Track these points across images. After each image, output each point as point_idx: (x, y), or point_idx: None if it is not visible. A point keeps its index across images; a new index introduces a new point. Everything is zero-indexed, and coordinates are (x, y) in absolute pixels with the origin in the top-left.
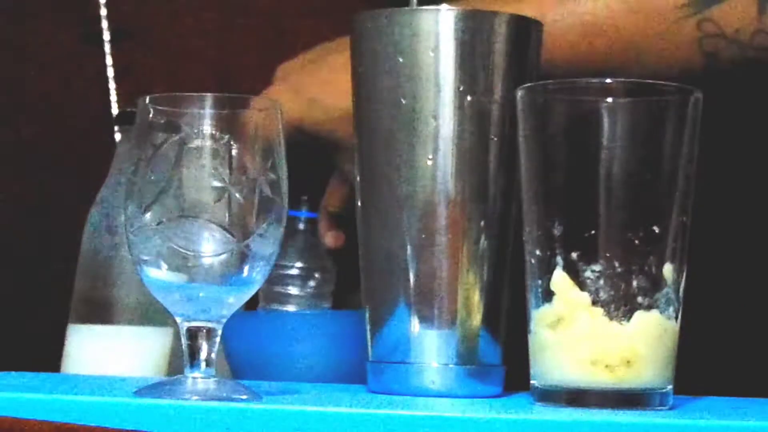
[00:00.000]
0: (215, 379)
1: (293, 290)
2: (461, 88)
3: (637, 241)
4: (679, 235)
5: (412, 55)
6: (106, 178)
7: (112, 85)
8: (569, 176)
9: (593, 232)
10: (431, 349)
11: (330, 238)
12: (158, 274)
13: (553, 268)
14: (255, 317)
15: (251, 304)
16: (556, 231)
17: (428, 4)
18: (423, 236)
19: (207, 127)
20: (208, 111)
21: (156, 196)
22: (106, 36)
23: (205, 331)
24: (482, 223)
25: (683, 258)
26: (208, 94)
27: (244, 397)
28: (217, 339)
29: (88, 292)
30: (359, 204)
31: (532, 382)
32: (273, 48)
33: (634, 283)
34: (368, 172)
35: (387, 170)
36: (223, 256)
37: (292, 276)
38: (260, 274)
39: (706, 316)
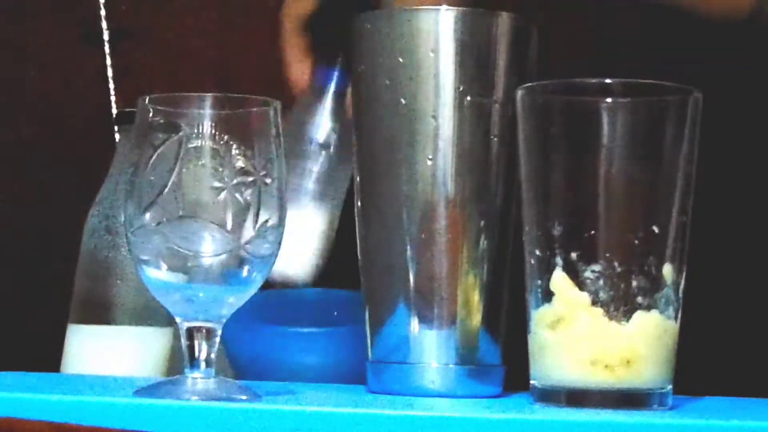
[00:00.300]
0: (215, 379)
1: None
2: (461, 88)
3: (636, 242)
4: (678, 235)
5: (411, 55)
6: (106, 178)
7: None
8: (569, 176)
9: (593, 232)
10: (431, 349)
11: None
12: (158, 274)
13: (553, 269)
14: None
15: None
16: (556, 231)
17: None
18: (423, 236)
19: (207, 127)
20: (207, 111)
21: (156, 197)
22: (106, 36)
23: (204, 331)
24: (482, 223)
25: (683, 258)
26: (208, 94)
27: (244, 397)
28: (217, 339)
29: (88, 292)
30: (359, 204)
31: (531, 382)
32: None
33: (634, 283)
34: (368, 172)
35: (387, 170)
36: (223, 257)
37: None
38: (260, 274)
39: (706, 316)
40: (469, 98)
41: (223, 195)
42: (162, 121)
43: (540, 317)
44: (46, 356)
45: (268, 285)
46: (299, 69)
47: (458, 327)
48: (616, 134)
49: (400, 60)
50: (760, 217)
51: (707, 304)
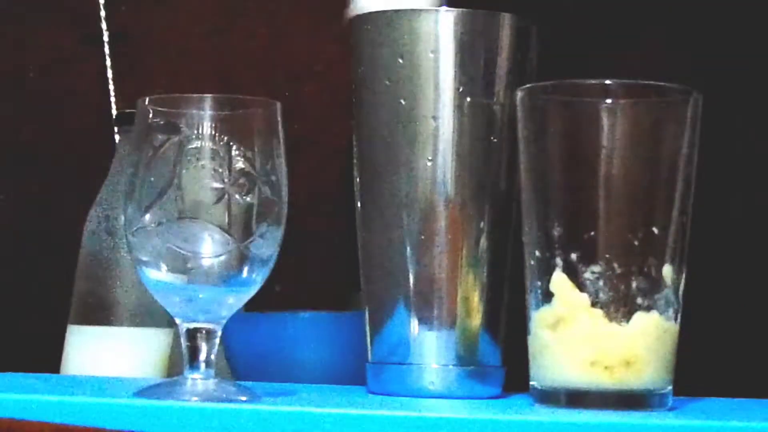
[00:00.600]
0: (215, 380)
1: None
2: (461, 89)
3: (636, 242)
4: (678, 236)
5: (411, 56)
6: (106, 179)
7: (111, 86)
8: (569, 177)
9: (593, 233)
10: (431, 350)
11: None
12: (158, 275)
13: (553, 270)
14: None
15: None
16: (556, 232)
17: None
18: (423, 237)
19: (207, 128)
20: (207, 112)
21: (155, 197)
22: (106, 37)
23: (204, 332)
24: (482, 223)
25: (683, 259)
26: (208, 95)
27: (244, 398)
28: (217, 340)
29: (87, 293)
30: (359, 204)
31: (531, 383)
32: (273, 48)
33: (634, 284)
34: (368, 173)
35: (387, 170)
36: (223, 257)
37: None
38: (260, 275)
39: (706, 317)
40: (469, 99)
41: (223, 196)
42: (162, 122)
43: (540, 318)
44: (46, 357)
45: None
46: None
47: (458, 328)
48: (616, 135)
49: (400, 61)
50: (760, 218)
51: (707, 305)
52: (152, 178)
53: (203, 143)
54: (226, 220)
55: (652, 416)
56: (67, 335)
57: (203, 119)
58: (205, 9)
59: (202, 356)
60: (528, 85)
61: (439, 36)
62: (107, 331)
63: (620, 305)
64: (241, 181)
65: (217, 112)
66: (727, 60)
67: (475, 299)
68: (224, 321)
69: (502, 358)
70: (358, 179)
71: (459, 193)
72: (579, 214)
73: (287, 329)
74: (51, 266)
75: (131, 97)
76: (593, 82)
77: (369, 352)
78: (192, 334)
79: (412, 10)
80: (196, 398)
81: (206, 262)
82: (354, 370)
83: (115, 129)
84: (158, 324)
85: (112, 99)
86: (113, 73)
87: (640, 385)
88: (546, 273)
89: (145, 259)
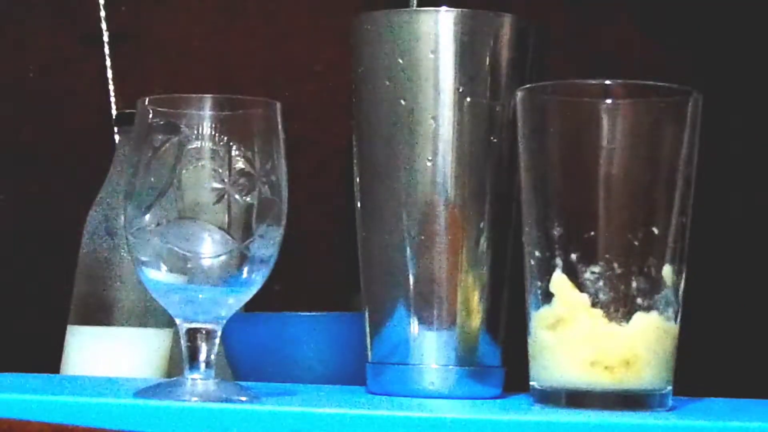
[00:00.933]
0: (215, 380)
1: None
2: (461, 89)
3: (636, 243)
4: (678, 236)
5: (411, 56)
6: (106, 179)
7: (111, 86)
8: (569, 177)
9: (593, 233)
10: (431, 350)
11: None
12: (158, 275)
13: (553, 270)
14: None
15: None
16: (556, 232)
17: (427, 5)
18: (422, 237)
19: (206, 129)
20: (207, 112)
21: (155, 198)
22: (106, 37)
23: (204, 332)
24: (482, 224)
25: (683, 259)
26: (208, 95)
27: (244, 398)
28: (217, 340)
29: (87, 293)
30: (359, 204)
31: (531, 383)
32: (273, 48)
33: (634, 284)
34: (368, 173)
35: (387, 171)
36: (223, 258)
37: None
38: (260, 275)
39: (706, 317)
40: (468, 99)
41: (223, 196)
42: (162, 122)
43: (540, 318)
44: (46, 357)
45: None
46: None
47: (458, 328)
48: (616, 135)
49: (400, 61)
50: (760, 218)
51: (707, 305)
52: (152, 179)
53: (203, 143)
54: (226, 220)
55: (652, 416)
56: (67, 335)
57: (203, 119)
58: (205, 9)
59: (202, 356)
60: (528, 85)
61: (439, 36)
62: (107, 332)
63: (620, 305)
64: (241, 181)
65: (217, 113)
66: (727, 60)
67: (475, 299)
68: (224, 321)
69: (502, 358)
70: (358, 179)
71: (459, 193)
72: (579, 214)
73: (287, 329)
74: (51, 266)
75: (131, 97)
76: (593, 82)
77: (369, 352)
78: (192, 334)
79: (412, 10)
80: (196, 398)
81: (206, 263)
82: (354, 370)
83: (115, 129)
84: (158, 324)
85: (112, 99)
86: (113, 73)
87: (640, 385)
88: (546, 273)
89: (145, 259)
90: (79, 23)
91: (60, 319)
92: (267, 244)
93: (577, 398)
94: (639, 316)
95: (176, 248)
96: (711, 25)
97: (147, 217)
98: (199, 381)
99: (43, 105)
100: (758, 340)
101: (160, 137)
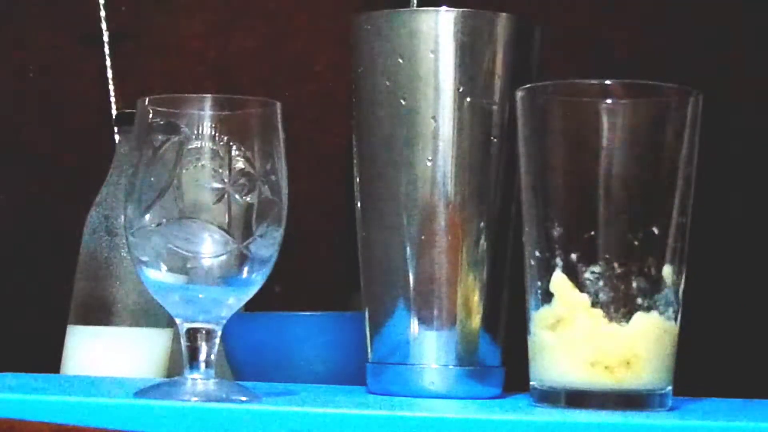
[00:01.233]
0: (215, 380)
1: None
2: (461, 89)
3: (636, 243)
4: (678, 236)
5: (411, 55)
6: (106, 179)
7: (111, 86)
8: (569, 177)
9: (593, 233)
10: (431, 350)
11: None
12: (158, 275)
13: (553, 270)
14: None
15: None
16: (556, 232)
17: (428, 5)
18: (422, 237)
19: (206, 128)
20: (207, 112)
21: (155, 198)
22: (106, 37)
23: (204, 332)
24: (482, 224)
25: (683, 259)
26: (208, 95)
27: (244, 398)
28: (217, 340)
29: (87, 293)
30: (359, 204)
31: (531, 383)
32: (273, 48)
33: (634, 284)
34: (368, 173)
35: (387, 171)
36: (223, 258)
37: None
38: (260, 275)
39: (706, 317)
40: (468, 99)
41: (223, 196)
42: (162, 122)
43: (540, 318)
44: (46, 357)
45: None
46: None
47: (458, 328)
48: (616, 135)
49: (400, 61)
50: (760, 218)
51: (707, 305)
52: (152, 178)
53: (203, 143)
54: (226, 220)
55: (652, 416)
56: (67, 335)
57: (203, 119)
58: (205, 9)
59: (202, 356)
60: (528, 85)
61: (439, 36)
62: (107, 331)
63: (620, 305)
64: (241, 181)
65: (217, 112)
66: (727, 60)
67: (475, 299)
68: (224, 321)
69: (502, 358)
70: (358, 179)
71: (459, 193)
72: (579, 214)
73: (287, 329)
74: (51, 266)
75: (131, 97)
76: (593, 82)
77: (369, 352)
78: (192, 334)
79: (412, 10)
80: (196, 398)
81: (206, 262)
82: (354, 370)
83: (115, 129)
84: (158, 324)
85: (112, 99)
86: (113, 73)
87: (640, 385)
88: (546, 273)
89: (145, 259)
90: (79, 23)
91: (60, 319)
92: (267, 244)
93: (577, 398)
94: (639, 316)
95: (176, 248)
96: (711, 25)
97: (147, 217)
98: (199, 381)
99: (43, 105)
100: (758, 340)
101: (160, 137)
